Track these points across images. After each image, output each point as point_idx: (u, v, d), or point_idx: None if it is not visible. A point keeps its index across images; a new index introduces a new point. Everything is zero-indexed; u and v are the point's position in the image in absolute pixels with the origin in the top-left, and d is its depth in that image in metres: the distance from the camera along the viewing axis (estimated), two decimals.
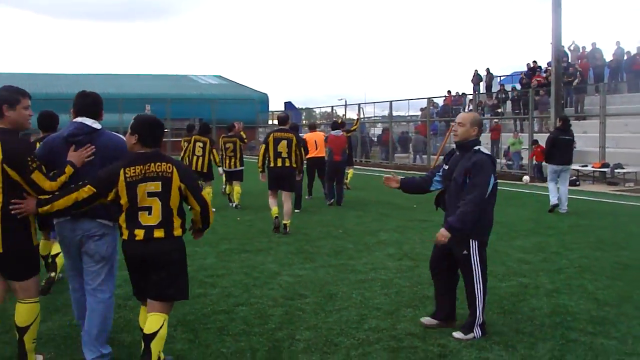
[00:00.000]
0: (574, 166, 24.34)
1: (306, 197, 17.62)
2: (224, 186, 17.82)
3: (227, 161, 16.54)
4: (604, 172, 23.93)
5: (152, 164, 4.98)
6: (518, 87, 34.91)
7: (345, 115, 44.86)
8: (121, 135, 5.51)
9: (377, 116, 44.36)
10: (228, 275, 8.69)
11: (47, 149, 5.35)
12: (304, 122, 49.58)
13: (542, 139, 27.39)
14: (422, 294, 7.64)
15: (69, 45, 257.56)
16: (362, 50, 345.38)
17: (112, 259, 5.49)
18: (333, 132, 17.32)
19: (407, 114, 40.66)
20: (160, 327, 4.97)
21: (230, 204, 16.51)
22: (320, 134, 18.11)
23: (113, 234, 5.42)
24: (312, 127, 19.21)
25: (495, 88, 37.51)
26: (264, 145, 12.70)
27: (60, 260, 7.66)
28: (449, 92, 38.16)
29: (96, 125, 5.37)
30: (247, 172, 17.18)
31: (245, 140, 17.79)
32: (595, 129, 27.48)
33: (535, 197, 18.94)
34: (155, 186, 4.96)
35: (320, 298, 7.51)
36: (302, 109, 55.83)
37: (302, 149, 12.89)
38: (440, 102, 37.47)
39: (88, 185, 4.93)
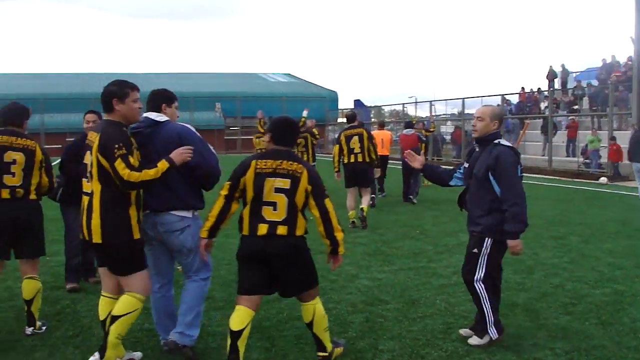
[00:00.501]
0: None
1: (380, 195, 17.42)
2: None
3: None
4: None
5: (285, 162, 5.06)
6: (595, 83, 33.79)
7: (415, 113, 44.38)
8: (188, 125, 5.48)
9: (447, 114, 43.70)
10: None
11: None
12: (373, 120, 49.06)
13: (622, 136, 26.58)
14: (510, 301, 7.15)
15: (140, 45, 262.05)
16: (432, 47, 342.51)
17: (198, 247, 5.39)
18: (405, 132, 17.46)
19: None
20: (314, 314, 5.25)
21: None
22: (387, 133, 18.19)
23: (195, 223, 5.37)
24: (381, 125, 19.10)
25: (571, 84, 36.53)
26: (337, 145, 13.01)
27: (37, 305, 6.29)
28: (522, 88, 37.28)
29: (160, 118, 5.35)
30: (318, 169, 16.68)
31: (317, 137, 17.66)
32: None
33: (618, 197, 18.17)
34: (284, 183, 5.01)
35: (402, 304, 7.12)
36: (371, 106, 55.27)
37: (374, 144, 12.96)
38: (513, 99, 36.64)
39: (226, 182, 5.10)
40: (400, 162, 17.11)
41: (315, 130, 17.54)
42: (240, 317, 5.01)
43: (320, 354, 5.34)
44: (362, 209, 12.50)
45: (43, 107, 46.64)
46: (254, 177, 5.01)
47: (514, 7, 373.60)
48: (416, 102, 49.20)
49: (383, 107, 59.05)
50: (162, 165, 4.92)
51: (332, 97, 61.04)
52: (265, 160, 5.05)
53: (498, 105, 33.75)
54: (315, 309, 5.24)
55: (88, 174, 4.97)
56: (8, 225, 6.06)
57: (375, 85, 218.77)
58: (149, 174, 4.84)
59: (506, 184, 5.59)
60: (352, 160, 12.73)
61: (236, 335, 4.94)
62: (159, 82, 55.16)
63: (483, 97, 37.93)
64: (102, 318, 5.19)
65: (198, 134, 5.45)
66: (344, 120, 17.44)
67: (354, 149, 12.71)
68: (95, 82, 59.28)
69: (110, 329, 4.88)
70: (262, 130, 18.54)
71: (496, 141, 5.75)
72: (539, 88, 36.92)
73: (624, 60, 32.38)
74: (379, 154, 15.81)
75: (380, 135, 17.24)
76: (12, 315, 6.82)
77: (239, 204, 5.20)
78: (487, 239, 5.73)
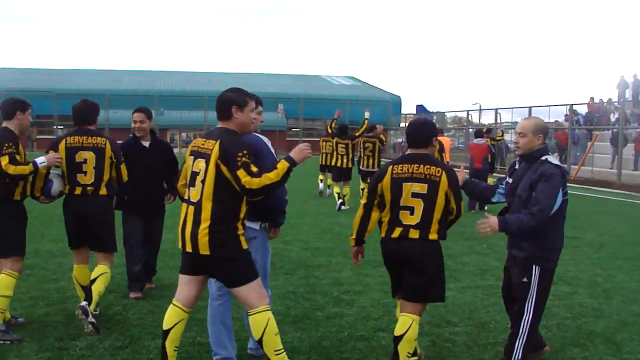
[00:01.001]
0: None
1: None
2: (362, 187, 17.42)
3: (365, 161, 17.05)
4: None
5: (422, 166, 5.06)
6: None
7: (479, 120, 43.61)
8: (263, 138, 5.32)
9: (511, 122, 42.76)
10: (366, 292, 7.97)
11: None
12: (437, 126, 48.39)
13: None
14: (588, 330, 6.66)
15: (205, 44, 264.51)
16: (498, 54, 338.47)
17: (262, 264, 5.34)
18: (475, 141, 17.40)
19: (546, 121, 38.81)
20: (408, 329, 5.02)
21: None
22: (446, 139, 18.43)
23: (261, 236, 5.32)
24: (439, 132, 18.34)
25: None
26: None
27: (98, 288, 6.33)
28: (591, 98, 36.21)
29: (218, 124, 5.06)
30: None
31: (385, 142, 17.47)
32: None
33: None
34: (421, 188, 5.03)
35: (470, 327, 6.67)
36: (433, 112, 54.62)
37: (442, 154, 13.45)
38: (581, 109, 35.59)
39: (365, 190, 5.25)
40: (468, 171, 16.52)
41: (382, 136, 17.59)
42: (401, 322, 5.12)
43: None
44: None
45: (108, 104, 47.38)
46: (390, 182, 5.08)
47: (585, 13, 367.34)
48: (480, 110, 48.21)
49: (446, 114, 58.03)
50: (282, 165, 4.67)
51: (395, 102, 60.63)
52: (401, 165, 5.11)
53: (573, 115, 32.84)
54: (412, 324, 5.07)
55: (195, 182, 4.77)
56: (78, 220, 6.52)
57: (438, 91, 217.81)
58: (269, 177, 4.59)
59: (537, 198, 5.12)
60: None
61: (397, 339, 5.08)
62: (222, 81, 56.22)
63: (550, 107, 37.11)
64: (165, 328, 4.95)
65: (272, 150, 5.33)
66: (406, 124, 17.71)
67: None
68: (157, 79, 60.83)
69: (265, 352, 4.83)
70: (329, 132, 18.30)
71: (543, 158, 5.29)
72: (610, 98, 35.79)
73: None
74: None
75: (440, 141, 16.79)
76: (62, 320, 6.61)
77: (379, 211, 5.27)
78: (534, 266, 5.30)
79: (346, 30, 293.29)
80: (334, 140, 17.14)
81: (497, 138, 20.24)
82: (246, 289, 4.77)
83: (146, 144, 7.57)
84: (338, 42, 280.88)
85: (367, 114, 17.71)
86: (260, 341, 4.76)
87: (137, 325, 6.49)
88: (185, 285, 4.98)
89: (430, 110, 52.39)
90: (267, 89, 57.69)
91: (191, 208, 4.77)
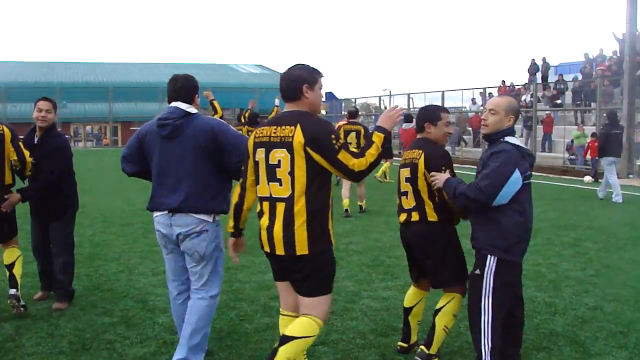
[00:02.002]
0: None
1: None
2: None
3: None
4: None
5: (410, 151, 5.22)
6: (579, 77, 32.92)
7: (390, 106, 43.30)
8: (215, 118, 5.16)
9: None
10: None
11: (139, 137, 5.10)
12: (344, 113, 48.14)
13: None
14: (548, 329, 6.03)
15: (109, 34, 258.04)
16: (407, 40, 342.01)
17: (215, 258, 5.02)
18: (404, 126, 17.52)
19: (458, 105, 38.86)
20: (447, 303, 5.11)
21: None
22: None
23: (213, 229, 4.95)
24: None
25: (552, 78, 35.71)
26: None
27: (18, 271, 6.63)
28: (503, 82, 36.42)
29: (191, 109, 4.93)
30: None
31: None
32: None
33: (609, 196, 17.25)
34: (407, 172, 5.16)
35: (420, 333, 5.86)
36: (342, 99, 54.31)
37: None
38: (494, 93, 35.71)
39: None
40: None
41: None
42: (410, 295, 5.55)
43: (423, 347, 5.18)
44: (360, 205, 13.69)
45: (5, 96, 45.18)
46: (397, 170, 5.40)
47: (491, 2, 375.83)
48: (390, 95, 47.95)
49: (353, 100, 57.28)
50: (378, 137, 4.26)
51: None
52: (406, 152, 5.31)
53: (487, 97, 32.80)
54: (452, 300, 5.13)
55: (277, 175, 4.22)
56: None
57: (347, 79, 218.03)
58: (372, 153, 4.20)
59: (491, 168, 4.55)
60: None
61: (407, 311, 5.48)
62: (128, 71, 54.92)
63: (463, 90, 37.17)
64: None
65: (232, 128, 5.08)
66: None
67: (350, 144, 12.87)
68: (59, 70, 58.73)
69: (279, 350, 4.13)
70: (242, 121, 17.84)
71: (503, 139, 4.70)
72: (525, 83, 36.00)
73: (609, 54, 31.52)
74: None
75: None
76: None
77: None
78: (489, 256, 4.65)
79: (253, 18, 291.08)
80: (245, 128, 17.09)
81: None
82: (325, 299, 4.34)
83: (37, 139, 6.71)
84: (245, 30, 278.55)
85: (277, 101, 17.63)
86: (289, 339, 4.17)
87: (34, 353, 5.47)
88: (287, 292, 4.53)
89: (340, 98, 52.15)
90: None
91: (280, 205, 4.20)
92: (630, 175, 22.65)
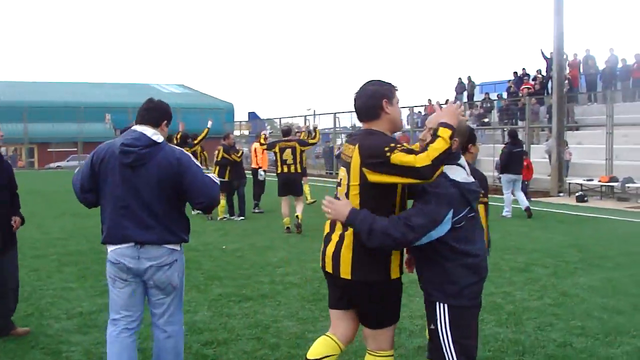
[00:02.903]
0: (579, 180, 22.61)
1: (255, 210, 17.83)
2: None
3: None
4: (612, 186, 21.87)
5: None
6: (504, 95, 33.03)
7: (317, 126, 42.83)
8: (182, 149, 4.73)
9: (351, 126, 42.28)
10: (233, 341, 6.26)
11: (93, 162, 4.63)
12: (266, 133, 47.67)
13: (535, 150, 25.80)
14: None
15: (24, 52, 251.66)
16: (331, 59, 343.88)
17: (182, 284, 4.84)
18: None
19: None
20: None
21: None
22: None
23: (181, 258, 4.77)
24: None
25: (478, 97, 35.80)
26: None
27: None
28: (429, 100, 36.27)
29: (157, 137, 4.58)
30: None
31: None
32: (590, 140, 26.02)
33: (545, 215, 16.94)
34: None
35: None
36: (265, 119, 53.77)
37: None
38: (422, 111, 35.61)
39: None
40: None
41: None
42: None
43: None
44: (297, 216, 13.72)
45: None
46: None
47: (421, 16, 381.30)
48: (314, 115, 47.23)
49: (275, 120, 56.45)
50: (443, 132, 3.67)
51: (229, 109, 59.88)
52: None
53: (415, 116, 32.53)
54: None
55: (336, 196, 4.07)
56: None
57: (269, 99, 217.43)
58: (435, 147, 3.61)
59: (423, 208, 3.78)
60: (286, 170, 13.91)
61: None
62: (46, 90, 53.15)
63: None
64: (310, 357, 4.23)
65: (197, 163, 4.73)
66: (241, 132, 18.99)
67: (286, 160, 13.87)
68: None
69: None
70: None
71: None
72: (447, 100, 35.94)
73: (534, 73, 31.66)
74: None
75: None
76: None
77: None
78: (438, 304, 3.93)
79: (175, 38, 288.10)
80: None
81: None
82: (388, 330, 4.10)
83: None
84: (165, 49, 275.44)
85: (209, 123, 17.96)
86: None
87: None
88: (338, 320, 4.27)
89: (262, 117, 51.74)
90: (93, 99, 54.88)
91: (339, 224, 4.01)
92: (561, 194, 22.52)
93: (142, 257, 4.52)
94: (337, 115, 39.05)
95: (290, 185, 13.96)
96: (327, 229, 4.14)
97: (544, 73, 30.79)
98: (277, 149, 14.00)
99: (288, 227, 13.80)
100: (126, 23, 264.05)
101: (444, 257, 3.86)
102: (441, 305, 3.89)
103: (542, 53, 30.46)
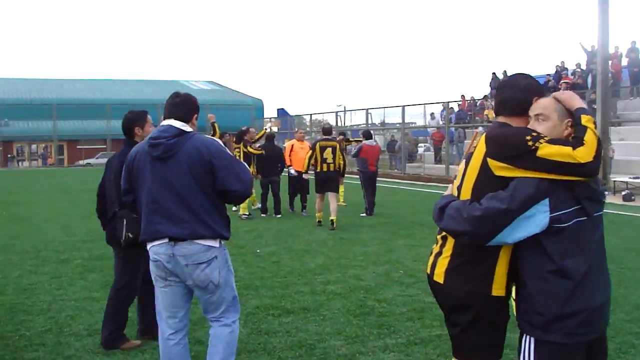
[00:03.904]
0: (624, 178, 21.69)
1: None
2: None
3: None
4: None
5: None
6: None
7: (349, 122, 42.36)
8: (211, 137, 4.81)
9: (383, 123, 41.54)
10: None
11: (128, 163, 4.63)
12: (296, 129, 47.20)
13: None
14: None
15: (53, 50, 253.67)
16: (361, 56, 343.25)
17: (230, 281, 4.65)
18: (367, 142, 16.64)
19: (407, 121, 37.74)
20: None
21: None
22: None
23: (222, 254, 4.57)
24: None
25: None
26: (311, 151, 14.70)
27: None
28: (462, 96, 35.51)
29: (185, 127, 4.49)
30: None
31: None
32: (634, 136, 25.15)
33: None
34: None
35: None
36: (294, 116, 53.25)
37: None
38: (455, 107, 34.77)
39: None
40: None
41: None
42: None
43: None
44: (331, 220, 13.83)
45: None
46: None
47: (449, 15, 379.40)
48: (345, 111, 46.54)
49: (307, 116, 55.78)
50: (588, 120, 3.17)
51: (258, 105, 59.60)
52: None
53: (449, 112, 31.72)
54: None
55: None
56: None
57: (299, 94, 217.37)
58: (591, 138, 3.10)
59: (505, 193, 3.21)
60: (325, 169, 14.25)
61: None
62: (73, 88, 53.01)
63: (425, 105, 36.26)
64: None
65: (228, 151, 4.60)
66: (271, 129, 20.29)
67: (326, 159, 14.24)
68: (1, 87, 56.55)
69: None
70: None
71: None
72: (485, 95, 35.12)
73: (573, 67, 30.73)
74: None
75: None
76: None
77: None
78: (525, 337, 3.24)
79: (204, 34, 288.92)
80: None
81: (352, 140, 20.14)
82: None
83: None
84: (196, 46, 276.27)
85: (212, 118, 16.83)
86: None
87: None
88: None
89: (292, 114, 51.31)
90: (122, 95, 54.64)
91: None
92: (606, 193, 21.58)
93: (177, 255, 4.38)
94: (370, 111, 38.26)
95: (328, 183, 14.25)
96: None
97: (583, 67, 29.89)
98: (317, 148, 14.38)
99: (320, 221, 14.30)
100: (154, 20, 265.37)
101: (527, 273, 3.17)
102: (527, 338, 3.22)
103: (582, 46, 29.62)
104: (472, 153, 3.38)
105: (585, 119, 3.16)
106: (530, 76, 3.52)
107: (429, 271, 3.60)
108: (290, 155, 16.81)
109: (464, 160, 3.49)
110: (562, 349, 3.14)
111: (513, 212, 3.05)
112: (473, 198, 3.26)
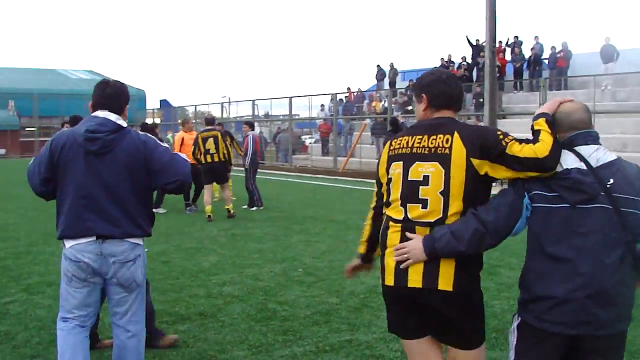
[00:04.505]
0: None
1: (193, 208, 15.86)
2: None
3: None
4: None
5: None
6: None
7: (236, 113, 41.84)
8: (146, 133, 4.54)
9: (267, 115, 41.08)
10: None
11: (52, 149, 4.32)
12: (179, 121, 46.33)
13: None
14: None
15: None
16: (245, 47, 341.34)
17: (145, 282, 4.57)
18: (254, 133, 16.68)
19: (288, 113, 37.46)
20: None
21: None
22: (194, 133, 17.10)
23: (144, 253, 4.49)
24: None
25: (400, 84, 35.02)
26: (194, 146, 14.20)
27: None
28: (348, 88, 35.52)
29: (122, 122, 4.35)
30: None
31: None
32: (516, 129, 25.59)
33: None
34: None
35: None
36: (177, 107, 52.09)
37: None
38: (343, 99, 34.69)
39: None
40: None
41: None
42: None
43: None
44: (227, 209, 14.16)
45: None
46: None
47: (336, 5, 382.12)
48: (230, 102, 45.66)
49: (190, 107, 54.62)
50: (541, 121, 3.33)
51: (140, 96, 57.76)
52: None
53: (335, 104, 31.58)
54: None
55: (420, 194, 3.40)
56: None
57: (181, 85, 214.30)
58: (545, 139, 3.24)
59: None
60: (209, 160, 14.02)
61: None
62: None
63: (312, 97, 35.99)
64: None
65: (162, 144, 4.52)
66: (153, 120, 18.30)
67: (209, 149, 14.04)
68: None
69: None
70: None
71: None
72: (376, 88, 35.16)
73: (459, 60, 31.12)
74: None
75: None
76: None
77: None
78: (514, 316, 3.38)
79: (82, 22, 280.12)
80: None
81: None
82: (482, 350, 3.52)
83: None
84: (72, 34, 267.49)
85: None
86: None
87: None
88: (429, 351, 3.52)
89: (175, 105, 50.47)
90: None
91: (422, 231, 3.38)
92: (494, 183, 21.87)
93: (104, 253, 4.26)
94: (256, 102, 37.71)
95: (215, 174, 14.21)
96: (394, 240, 3.45)
97: (469, 60, 30.30)
98: (199, 140, 14.17)
99: (209, 215, 13.83)
100: (28, 4, 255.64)
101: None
102: (515, 316, 3.39)
103: (468, 39, 29.95)
104: (448, 154, 3.34)
105: (536, 123, 3.33)
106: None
107: (420, 284, 3.36)
108: (181, 149, 15.99)
109: (427, 162, 3.40)
110: (537, 334, 3.20)
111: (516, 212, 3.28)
112: (466, 204, 3.32)
